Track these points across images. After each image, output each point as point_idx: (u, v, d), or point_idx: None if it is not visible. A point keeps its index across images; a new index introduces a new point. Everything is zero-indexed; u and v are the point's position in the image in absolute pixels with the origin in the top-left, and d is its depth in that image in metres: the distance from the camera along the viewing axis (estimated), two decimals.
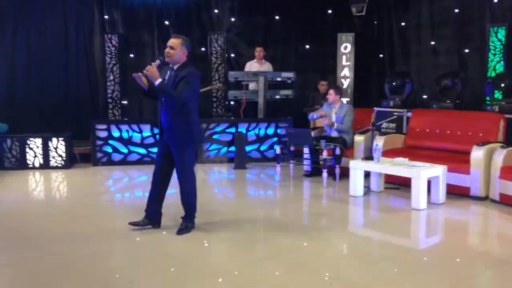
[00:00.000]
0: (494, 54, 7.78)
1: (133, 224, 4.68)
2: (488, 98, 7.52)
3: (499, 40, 7.70)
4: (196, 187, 4.66)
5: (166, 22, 9.52)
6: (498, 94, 7.40)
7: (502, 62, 7.72)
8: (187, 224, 4.62)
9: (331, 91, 7.11)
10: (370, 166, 5.83)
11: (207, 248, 4.31)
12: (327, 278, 3.61)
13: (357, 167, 5.90)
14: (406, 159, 5.81)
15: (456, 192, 5.90)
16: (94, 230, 4.76)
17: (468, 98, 8.09)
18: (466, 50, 8.44)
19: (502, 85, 6.98)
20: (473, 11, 8.27)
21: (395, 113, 6.61)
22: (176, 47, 4.41)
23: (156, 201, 4.70)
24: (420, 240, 4.74)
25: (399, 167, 5.56)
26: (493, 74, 7.72)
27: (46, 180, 7.11)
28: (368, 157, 5.95)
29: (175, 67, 4.47)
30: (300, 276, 3.67)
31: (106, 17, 9.31)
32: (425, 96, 9.00)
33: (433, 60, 8.94)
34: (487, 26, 7.88)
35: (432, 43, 8.92)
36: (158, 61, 4.40)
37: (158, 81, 4.28)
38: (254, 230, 4.85)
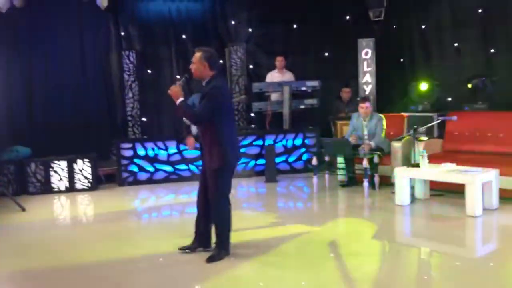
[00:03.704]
0: None
1: (183, 249, 4.46)
2: None
3: None
4: (231, 214, 4.31)
5: (183, 36, 9.35)
6: None
7: None
8: (220, 251, 4.24)
9: (367, 105, 6.86)
10: (418, 173, 5.63)
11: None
12: None
13: (404, 174, 5.69)
14: (454, 164, 5.61)
15: (506, 196, 5.69)
16: (141, 253, 4.54)
17: (497, 99, 7.93)
18: (492, 50, 8.27)
19: None
20: (498, 10, 8.12)
21: (439, 118, 6.42)
22: (196, 62, 4.14)
23: (202, 224, 4.43)
24: (485, 249, 4.53)
25: (451, 173, 5.36)
26: None
27: (74, 203, 6.88)
28: (414, 164, 5.75)
29: (204, 83, 4.22)
30: None
31: (122, 33, 9.14)
32: (449, 99, 8.83)
33: (456, 62, 8.77)
34: None
35: (456, 44, 8.77)
36: (183, 78, 4.22)
37: (179, 100, 4.07)
38: (314, 246, 4.62)
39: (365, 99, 7.06)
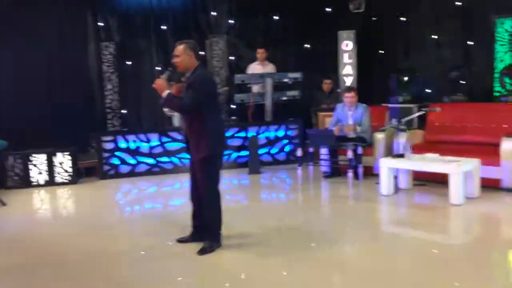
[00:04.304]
0: (502, 45, 7.78)
1: (181, 240, 4.47)
2: (499, 89, 7.52)
3: (507, 31, 7.71)
4: (221, 203, 4.28)
5: (164, 27, 9.24)
6: (509, 86, 7.41)
7: (510, 53, 7.73)
8: (212, 243, 4.21)
9: (353, 94, 6.91)
10: (403, 163, 5.70)
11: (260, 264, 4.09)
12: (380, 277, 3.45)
13: (388, 165, 5.76)
14: (437, 155, 5.70)
15: (486, 185, 5.81)
16: (130, 248, 4.48)
17: (476, 90, 8.09)
18: (471, 43, 8.42)
19: None
20: (477, 3, 8.27)
21: (423, 109, 6.50)
22: (180, 54, 4.12)
23: (198, 217, 4.41)
24: (467, 236, 4.62)
25: (435, 163, 5.45)
26: (501, 65, 7.73)
27: (54, 197, 6.75)
28: (398, 154, 5.82)
29: (189, 74, 4.19)
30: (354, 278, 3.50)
31: (101, 24, 8.97)
32: (429, 91, 8.97)
33: (436, 54, 8.93)
34: (493, 17, 7.87)
35: (434, 37, 8.90)
36: (167, 72, 4.17)
37: (165, 93, 4.03)
38: (303, 235, 4.64)
39: (350, 89, 7.11)
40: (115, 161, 7.62)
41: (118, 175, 7.63)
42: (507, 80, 7.31)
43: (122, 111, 8.97)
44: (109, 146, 7.58)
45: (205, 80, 4.15)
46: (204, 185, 4.18)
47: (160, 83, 4.06)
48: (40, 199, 6.75)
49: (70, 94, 8.75)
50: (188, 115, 4.17)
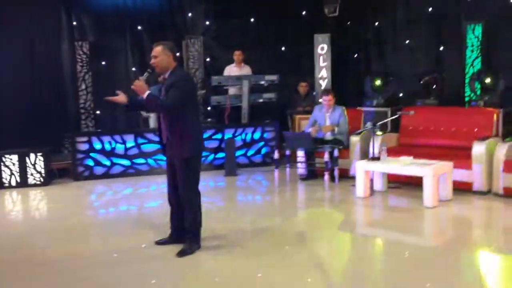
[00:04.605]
0: (472, 51, 8.00)
1: (160, 242, 4.46)
2: (469, 94, 7.73)
3: (476, 37, 7.92)
4: (201, 203, 4.33)
5: (139, 27, 9.15)
6: (478, 91, 7.61)
7: (479, 59, 7.94)
8: (191, 245, 4.23)
9: (330, 97, 6.99)
10: (378, 166, 5.80)
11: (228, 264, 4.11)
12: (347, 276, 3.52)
13: (363, 167, 5.85)
14: (411, 158, 5.82)
15: (457, 188, 5.95)
16: (104, 250, 4.45)
17: (447, 95, 8.28)
18: (442, 48, 8.62)
19: (488, 80, 7.15)
20: (448, 9, 8.47)
21: (398, 112, 6.62)
22: (159, 54, 4.12)
23: (177, 219, 4.41)
24: (441, 238, 4.74)
25: (410, 166, 5.56)
26: (471, 71, 7.94)
27: (27, 199, 6.62)
28: (374, 157, 5.92)
29: (166, 75, 4.19)
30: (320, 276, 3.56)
31: (74, 23, 8.83)
32: (401, 94, 9.14)
33: (409, 58, 9.10)
34: (464, 23, 8.08)
35: (407, 41, 9.08)
36: (146, 74, 4.16)
37: (146, 93, 4.00)
38: (279, 237, 4.67)
39: (328, 91, 7.20)
40: (90, 162, 7.52)
41: (93, 176, 7.52)
42: (477, 85, 7.51)
43: (97, 111, 8.85)
44: (84, 147, 7.47)
45: (188, 80, 4.22)
46: (186, 186, 4.19)
47: (140, 84, 4.03)
48: (11, 201, 6.61)
49: (43, 93, 8.57)
50: (170, 115, 4.15)
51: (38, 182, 7.20)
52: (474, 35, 7.95)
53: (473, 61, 8.02)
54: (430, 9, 8.69)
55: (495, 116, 6.40)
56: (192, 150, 4.15)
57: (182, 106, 4.06)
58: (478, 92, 7.49)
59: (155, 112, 4.24)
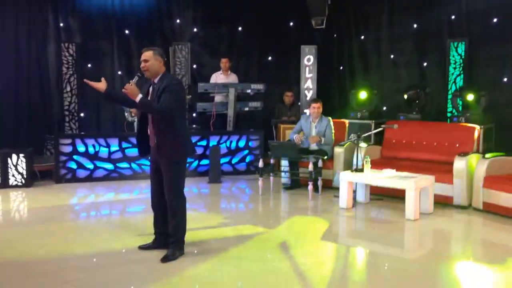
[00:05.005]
0: (455, 68, 8.16)
1: (143, 247, 4.46)
2: (451, 110, 7.88)
3: (459, 54, 8.10)
4: (186, 208, 4.35)
5: (126, 31, 9.14)
6: (460, 107, 7.76)
7: (462, 76, 8.11)
8: (174, 251, 4.24)
9: (319, 104, 7.05)
10: (362, 177, 5.88)
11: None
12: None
13: (347, 179, 5.92)
14: (394, 170, 5.92)
15: (438, 201, 6.07)
16: (84, 253, 4.42)
17: (430, 110, 8.42)
18: (426, 64, 8.78)
19: (470, 97, 7.30)
20: (432, 26, 8.63)
21: (382, 126, 6.72)
22: (150, 59, 4.17)
23: (161, 224, 4.42)
24: (421, 250, 4.82)
25: (393, 179, 5.65)
26: (453, 88, 8.10)
27: (7, 200, 6.52)
28: (358, 169, 6.00)
29: (156, 80, 4.23)
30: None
31: (61, 25, 8.78)
32: (384, 108, 9.27)
33: (392, 73, 9.24)
34: (447, 41, 8.25)
35: (391, 56, 9.22)
36: (136, 78, 4.19)
37: (138, 97, 4.01)
38: (261, 245, 4.69)
39: (316, 100, 7.25)
40: (73, 165, 7.46)
41: (75, 179, 7.47)
42: (459, 101, 7.66)
43: (81, 114, 8.79)
44: (67, 149, 7.42)
45: (179, 84, 4.27)
46: (172, 190, 4.20)
47: (132, 88, 4.03)
48: None
49: (27, 94, 8.52)
50: (161, 119, 4.16)
51: (20, 184, 7.12)
52: (457, 52, 8.11)
53: (455, 78, 8.17)
54: (415, 25, 8.84)
55: (476, 132, 6.54)
56: (183, 154, 4.24)
57: (176, 110, 4.11)
58: (460, 109, 7.64)
59: (149, 113, 4.23)
